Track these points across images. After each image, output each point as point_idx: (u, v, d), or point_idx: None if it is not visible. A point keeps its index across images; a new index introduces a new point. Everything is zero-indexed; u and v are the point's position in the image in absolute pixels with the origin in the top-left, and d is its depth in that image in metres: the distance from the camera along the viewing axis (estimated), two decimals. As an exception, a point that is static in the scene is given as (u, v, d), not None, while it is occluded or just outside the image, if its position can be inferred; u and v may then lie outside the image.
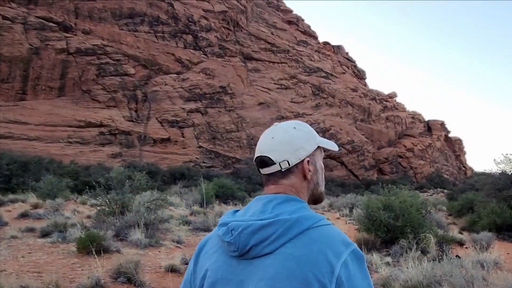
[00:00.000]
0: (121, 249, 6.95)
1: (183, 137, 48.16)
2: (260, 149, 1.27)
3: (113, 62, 46.99)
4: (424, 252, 7.76)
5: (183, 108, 49.23)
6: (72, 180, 24.21)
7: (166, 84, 49.95)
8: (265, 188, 1.27)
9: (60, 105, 42.30)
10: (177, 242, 8.46)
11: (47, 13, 44.75)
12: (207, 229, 10.58)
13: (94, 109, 43.94)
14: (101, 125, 42.61)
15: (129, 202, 8.91)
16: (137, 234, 7.64)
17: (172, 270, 5.93)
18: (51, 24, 44.27)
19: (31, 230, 8.57)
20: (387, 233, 8.94)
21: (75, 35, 46.05)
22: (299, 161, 1.24)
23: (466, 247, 11.37)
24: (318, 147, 1.30)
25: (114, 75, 46.50)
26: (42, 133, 39.03)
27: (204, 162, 47.85)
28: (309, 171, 1.25)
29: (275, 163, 1.23)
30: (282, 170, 1.23)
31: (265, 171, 1.26)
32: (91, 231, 6.75)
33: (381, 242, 8.86)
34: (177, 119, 48.26)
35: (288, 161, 1.22)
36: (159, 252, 7.41)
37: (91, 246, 6.00)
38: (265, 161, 1.25)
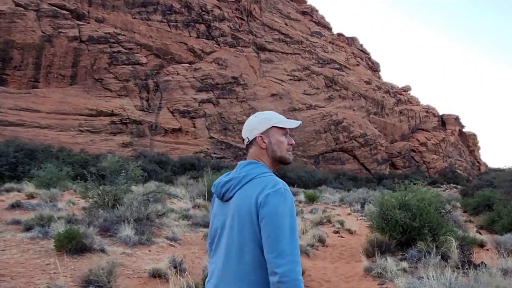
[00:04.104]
0: (107, 247, 6.25)
1: (194, 127, 47.67)
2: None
3: (125, 50, 46.55)
4: (444, 257, 6.99)
5: (194, 98, 48.68)
6: (81, 168, 23.74)
7: (178, 74, 49.41)
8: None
9: (72, 94, 42.05)
10: (172, 239, 7.75)
11: (60, 1, 44.41)
12: (207, 225, 9.89)
13: (105, 98, 43.62)
14: (112, 114, 42.29)
15: (122, 195, 8.25)
16: (127, 231, 6.99)
17: (158, 275, 5.19)
18: (64, 11, 43.93)
19: (17, 222, 7.96)
20: (402, 235, 8.15)
21: (88, 23, 45.69)
22: (254, 137, 1.86)
23: (487, 249, 10.58)
24: (273, 126, 1.86)
25: (126, 64, 46.08)
26: (53, 121, 38.83)
27: (215, 153, 47.36)
28: (264, 142, 1.84)
29: (244, 139, 1.91)
30: (245, 143, 1.90)
31: (244, 144, 1.93)
32: (70, 227, 6.10)
33: (396, 244, 8.09)
34: (189, 109, 47.76)
35: (247, 138, 1.89)
36: (149, 251, 6.67)
37: (69, 244, 5.40)
38: (242, 139, 1.94)
